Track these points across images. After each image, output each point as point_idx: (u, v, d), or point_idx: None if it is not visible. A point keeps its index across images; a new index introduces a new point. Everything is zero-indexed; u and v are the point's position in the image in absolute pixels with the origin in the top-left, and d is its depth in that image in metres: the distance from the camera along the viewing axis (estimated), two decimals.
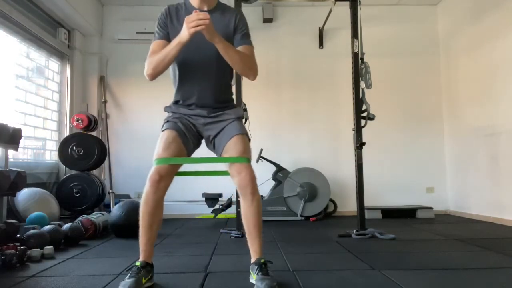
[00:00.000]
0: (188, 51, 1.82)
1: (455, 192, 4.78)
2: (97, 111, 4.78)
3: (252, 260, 1.86)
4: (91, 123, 4.18)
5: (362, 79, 3.37)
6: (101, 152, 4.12)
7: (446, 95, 4.93)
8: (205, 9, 1.92)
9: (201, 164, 2.04)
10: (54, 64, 4.42)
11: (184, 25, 1.70)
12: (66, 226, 2.95)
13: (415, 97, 4.96)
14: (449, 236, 3.17)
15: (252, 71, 1.94)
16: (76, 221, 3.17)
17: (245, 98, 3.52)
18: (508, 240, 2.98)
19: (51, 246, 2.57)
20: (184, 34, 1.71)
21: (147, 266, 1.82)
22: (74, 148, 4.02)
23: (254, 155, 4.22)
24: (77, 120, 4.10)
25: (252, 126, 4.04)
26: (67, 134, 4.37)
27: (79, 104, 4.61)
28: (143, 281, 1.74)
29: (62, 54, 4.51)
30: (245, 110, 3.57)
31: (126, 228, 3.27)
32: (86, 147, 4.05)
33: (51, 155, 4.30)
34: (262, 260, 1.81)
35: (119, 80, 4.96)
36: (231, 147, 1.87)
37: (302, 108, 4.98)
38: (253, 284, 1.77)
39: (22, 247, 2.34)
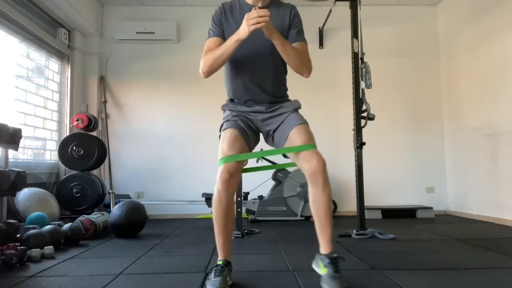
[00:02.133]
0: (244, 48, 1.80)
1: (455, 192, 4.78)
2: (97, 111, 4.78)
3: (323, 251, 1.81)
4: (91, 123, 4.19)
5: (362, 79, 3.37)
6: (101, 152, 4.12)
7: (446, 95, 4.93)
8: (260, 5, 1.91)
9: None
10: (54, 64, 4.42)
11: (244, 22, 1.70)
12: (66, 226, 2.95)
13: (415, 97, 4.96)
14: (449, 236, 3.17)
15: (307, 68, 1.93)
16: (76, 221, 3.17)
17: None
18: (508, 240, 2.98)
19: (51, 246, 2.57)
20: (244, 31, 1.70)
21: (229, 265, 1.83)
22: (74, 148, 4.02)
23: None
24: (77, 120, 4.10)
25: None
26: (67, 134, 4.37)
27: (79, 104, 4.61)
28: (228, 279, 1.75)
29: (62, 54, 4.51)
30: None
31: (126, 228, 3.27)
32: (86, 147, 4.05)
33: (51, 155, 4.30)
34: (335, 255, 1.77)
35: (119, 80, 4.96)
36: (295, 137, 1.85)
37: (302, 108, 4.97)
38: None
39: (22, 247, 2.34)
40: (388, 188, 4.85)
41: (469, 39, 4.41)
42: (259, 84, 1.95)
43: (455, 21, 4.70)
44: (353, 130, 3.37)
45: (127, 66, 4.96)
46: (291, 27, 1.96)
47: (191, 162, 4.86)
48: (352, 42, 3.43)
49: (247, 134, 1.92)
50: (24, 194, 3.35)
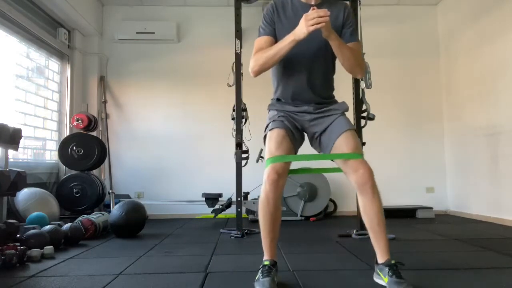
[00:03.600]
0: (297, 47, 1.76)
1: (455, 192, 4.78)
2: (97, 111, 4.78)
3: (381, 261, 1.78)
4: (91, 123, 4.18)
5: (362, 79, 3.37)
6: (101, 152, 4.12)
7: (446, 95, 4.93)
8: (313, 3, 1.86)
9: (310, 162, 1.95)
10: (54, 64, 4.42)
11: (302, 22, 1.66)
12: (66, 226, 2.95)
13: (415, 97, 4.96)
14: (449, 236, 3.17)
15: (361, 69, 1.89)
16: (76, 221, 3.17)
17: (245, 98, 3.52)
18: (508, 240, 2.98)
19: (51, 246, 2.57)
20: (302, 31, 1.67)
21: (275, 265, 1.82)
22: (74, 148, 4.02)
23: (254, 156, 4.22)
24: (77, 120, 4.10)
25: (252, 126, 4.05)
26: (67, 134, 4.37)
27: (79, 104, 4.61)
28: (275, 279, 1.75)
29: (62, 54, 4.51)
30: (245, 110, 3.56)
31: (126, 228, 3.27)
32: (86, 147, 4.05)
33: (51, 155, 4.30)
34: (393, 262, 1.74)
35: (119, 80, 4.96)
36: (343, 144, 1.82)
37: None
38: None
39: (22, 247, 2.34)
40: (388, 188, 4.81)
41: (469, 39, 4.41)
42: (310, 84, 1.91)
43: (455, 21, 4.70)
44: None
45: (127, 66, 4.96)
46: (345, 27, 1.90)
47: (191, 162, 4.86)
48: None
49: (294, 135, 1.89)
50: (24, 194, 3.35)
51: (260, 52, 1.85)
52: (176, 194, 4.74)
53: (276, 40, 1.87)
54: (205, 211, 4.44)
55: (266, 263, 1.81)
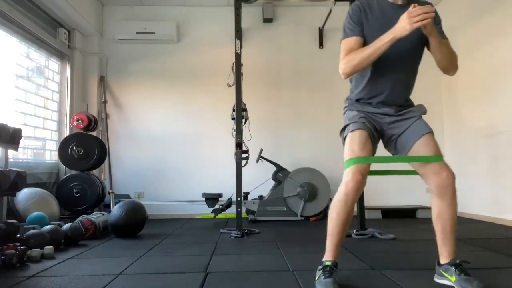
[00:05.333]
0: (390, 48, 1.72)
1: None
2: (97, 111, 4.78)
3: (445, 261, 1.79)
4: (91, 123, 4.18)
5: None
6: (101, 152, 4.12)
7: (446, 95, 4.93)
8: (399, 2, 1.84)
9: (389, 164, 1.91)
10: (54, 64, 4.42)
11: (405, 19, 1.62)
12: (66, 226, 2.95)
13: (415, 97, 4.88)
14: None
15: (455, 67, 1.87)
16: (76, 221, 3.17)
17: (245, 98, 3.51)
18: (508, 240, 2.98)
19: (51, 246, 2.57)
20: (405, 28, 1.63)
21: (337, 266, 1.80)
22: (74, 148, 4.02)
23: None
24: (77, 120, 4.10)
25: (252, 126, 4.05)
26: (67, 134, 4.37)
27: (79, 104, 4.61)
28: (337, 280, 1.74)
29: (62, 54, 4.51)
30: (245, 110, 3.56)
31: (126, 228, 3.27)
32: (86, 147, 4.05)
33: (51, 155, 4.30)
34: (459, 261, 1.75)
35: (119, 80, 4.96)
36: (423, 146, 1.80)
37: (302, 108, 4.98)
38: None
39: (22, 247, 2.34)
40: (388, 188, 4.85)
41: (469, 39, 4.40)
42: (395, 84, 1.88)
43: (455, 21, 4.69)
44: None
45: (127, 66, 4.96)
46: (434, 24, 1.84)
47: (191, 162, 4.86)
48: None
49: (374, 137, 1.88)
50: (24, 194, 3.35)
51: (352, 53, 1.80)
52: (176, 194, 4.75)
53: (365, 40, 1.84)
54: (205, 211, 4.44)
55: (328, 263, 1.78)
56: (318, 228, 3.81)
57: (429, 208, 4.79)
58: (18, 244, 2.40)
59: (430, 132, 1.84)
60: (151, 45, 4.96)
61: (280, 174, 4.50)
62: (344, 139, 1.91)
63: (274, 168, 4.53)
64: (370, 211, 4.27)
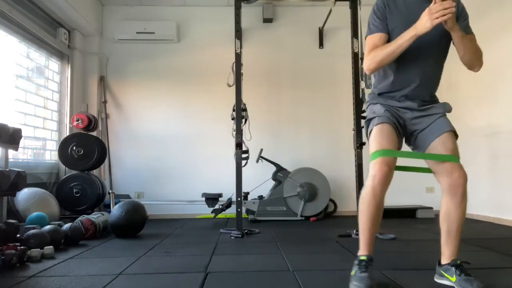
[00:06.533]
0: (414, 42, 1.72)
1: None
2: (97, 111, 4.78)
3: (446, 261, 1.79)
4: (91, 123, 4.18)
5: (362, 79, 3.37)
6: (101, 152, 4.12)
7: (446, 95, 4.91)
8: None
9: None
10: (54, 64, 4.42)
11: (426, 15, 1.63)
12: (66, 226, 2.95)
13: None
14: None
15: (481, 62, 1.86)
16: (76, 221, 3.17)
17: (245, 98, 3.51)
18: (508, 240, 2.98)
19: (51, 246, 2.57)
20: (425, 25, 1.63)
21: (372, 260, 1.79)
22: (74, 148, 4.02)
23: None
24: (77, 120, 4.10)
25: (252, 126, 4.05)
26: (67, 134, 4.38)
27: (79, 104, 4.61)
28: (373, 274, 1.73)
29: (62, 54, 4.51)
30: (245, 110, 3.56)
31: (126, 228, 3.27)
32: (86, 147, 4.05)
33: (51, 155, 4.30)
34: (459, 261, 1.75)
35: (119, 80, 4.96)
36: (441, 144, 1.79)
37: (302, 108, 4.98)
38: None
39: (22, 247, 2.34)
40: (388, 188, 4.84)
41: None
42: (419, 79, 1.86)
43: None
44: (353, 130, 3.37)
45: (127, 66, 4.97)
46: (459, 19, 1.84)
47: (191, 162, 4.86)
48: (352, 42, 3.43)
49: (399, 131, 1.87)
50: (24, 194, 3.35)
51: (377, 49, 1.81)
52: (176, 194, 4.75)
53: (389, 36, 1.84)
54: (205, 211, 4.44)
55: (363, 258, 1.78)
56: (318, 228, 3.81)
57: (429, 208, 4.82)
58: (18, 244, 2.40)
59: (451, 130, 1.83)
60: (151, 45, 4.96)
61: (280, 174, 4.50)
62: (369, 133, 1.90)
63: (274, 168, 4.53)
64: None
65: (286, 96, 4.98)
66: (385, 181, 1.73)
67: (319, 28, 4.99)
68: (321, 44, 5.03)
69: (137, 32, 4.84)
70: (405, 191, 4.86)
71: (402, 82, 1.88)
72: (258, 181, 4.57)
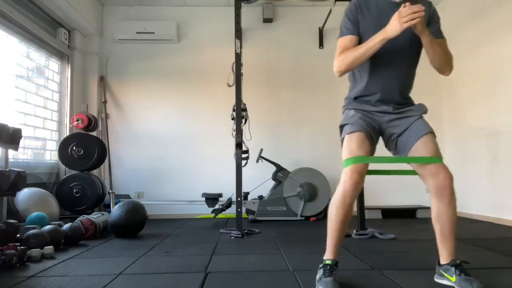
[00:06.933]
0: (385, 45, 1.73)
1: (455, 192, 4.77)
2: (97, 111, 4.78)
3: (445, 261, 1.80)
4: (91, 123, 4.18)
5: None
6: (101, 152, 4.12)
7: (446, 95, 4.93)
8: (398, 0, 1.83)
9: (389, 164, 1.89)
10: (54, 64, 4.42)
11: (395, 19, 1.64)
12: (66, 226, 2.95)
13: (414, 97, 4.91)
14: None
15: (450, 67, 1.87)
16: (76, 221, 3.17)
17: (245, 98, 3.51)
18: (508, 240, 2.98)
19: (51, 246, 2.57)
20: (395, 29, 1.65)
21: (337, 265, 1.81)
22: (74, 148, 4.02)
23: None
24: (77, 120, 4.10)
25: (252, 126, 4.05)
26: (67, 134, 4.37)
27: (79, 104, 4.61)
28: (337, 279, 1.73)
29: (62, 54, 4.51)
30: (245, 110, 3.56)
31: (126, 228, 3.27)
32: (86, 147, 4.05)
33: (51, 155, 4.30)
34: (459, 261, 1.75)
35: (119, 80, 4.96)
36: (422, 147, 1.79)
37: (302, 108, 4.98)
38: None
39: (22, 247, 2.34)
40: (388, 188, 4.85)
41: (469, 39, 4.40)
42: (392, 82, 1.88)
43: (455, 21, 4.69)
44: None
45: (127, 66, 4.97)
46: (431, 23, 1.86)
47: (191, 162, 4.86)
48: None
49: (372, 138, 1.87)
50: (24, 194, 3.35)
51: (346, 51, 1.83)
52: (176, 194, 4.75)
53: (360, 38, 1.85)
54: (205, 211, 4.44)
55: (329, 262, 1.79)
56: (318, 228, 3.81)
57: (429, 208, 4.78)
58: (18, 244, 2.40)
59: (430, 132, 1.83)
60: (151, 45, 4.96)
61: (280, 174, 4.50)
62: (342, 140, 1.91)
63: (274, 168, 4.53)
64: (370, 211, 4.27)
65: (286, 96, 4.98)
66: (355, 187, 1.74)
67: (319, 28, 4.99)
68: (321, 44, 5.03)
69: (137, 32, 4.84)
70: (405, 191, 4.87)
71: (375, 85, 1.90)
72: (258, 181, 4.57)
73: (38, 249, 2.45)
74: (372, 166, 1.84)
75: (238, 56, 3.40)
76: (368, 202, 3.51)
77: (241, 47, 3.41)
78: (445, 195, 1.75)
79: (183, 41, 5.02)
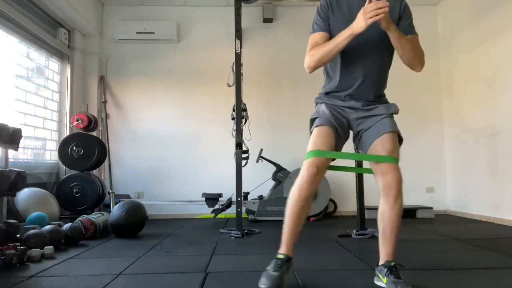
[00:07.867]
0: (355, 40, 1.73)
1: (455, 192, 4.78)
2: (97, 111, 4.78)
3: (381, 262, 1.81)
4: (91, 123, 4.19)
5: None
6: (101, 152, 4.12)
7: (446, 95, 4.93)
8: None
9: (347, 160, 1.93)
10: (54, 64, 4.43)
11: (360, 15, 1.65)
12: (66, 226, 2.95)
13: (415, 97, 4.96)
14: (449, 236, 3.17)
15: (421, 62, 1.86)
16: (76, 221, 3.17)
17: (245, 98, 3.52)
18: (508, 240, 2.98)
19: (51, 246, 2.56)
20: (360, 25, 1.65)
21: (289, 261, 1.79)
22: (74, 148, 4.02)
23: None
24: (77, 120, 4.10)
25: (252, 126, 4.05)
26: (67, 134, 4.38)
27: (79, 104, 4.61)
28: (285, 276, 1.71)
29: (62, 54, 4.51)
30: (245, 110, 3.56)
31: (126, 228, 3.27)
32: (86, 147, 4.05)
33: (51, 155, 4.30)
34: (393, 264, 1.75)
35: (119, 80, 4.96)
36: (379, 145, 1.79)
37: (302, 108, 4.97)
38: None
39: (22, 247, 2.34)
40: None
41: (469, 39, 4.41)
42: (364, 79, 1.87)
43: (455, 21, 4.70)
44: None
45: (127, 66, 4.97)
46: (402, 19, 1.86)
47: (191, 162, 4.86)
48: None
49: (339, 133, 1.87)
50: (24, 194, 3.35)
51: (316, 47, 1.84)
52: (176, 194, 4.75)
53: (331, 35, 1.86)
54: (205, 211, 4.44)
55: (280, 256, 1.78)
56: (318, 228, 3.81)
57: (429, 208, 4.83)
58: (18, 244, 2.40)
59: (392, 131, 1.83)
60: (151, 45, 4.96)
61: (280, 174, 4.50)
62: (310, 133, 1.93)
63: (274, 168, 4.53)
64: (370, 211, 4.25)
65: (286, 96, 4.98)
66: (311, 180, 1.74)
67: None
68: None
69: (137, 32, 4.83)
70: (405, 191, 4.79)
71: (347, 82, 1.90)
72: (258, 181, 4.57)
73: (38, 249, 2.45)
74: (340, 162, 1.83)
75: (238, 56, 3.40)
76: (368, 202, 3.50)
77: (241, 47, 3.41)
78: (390, 195, 1.76)
79: (183, 41, 5.02)
